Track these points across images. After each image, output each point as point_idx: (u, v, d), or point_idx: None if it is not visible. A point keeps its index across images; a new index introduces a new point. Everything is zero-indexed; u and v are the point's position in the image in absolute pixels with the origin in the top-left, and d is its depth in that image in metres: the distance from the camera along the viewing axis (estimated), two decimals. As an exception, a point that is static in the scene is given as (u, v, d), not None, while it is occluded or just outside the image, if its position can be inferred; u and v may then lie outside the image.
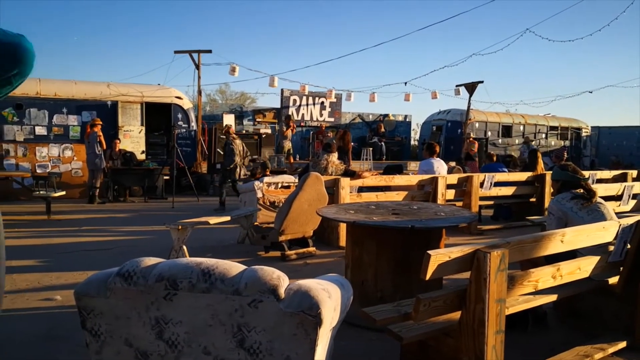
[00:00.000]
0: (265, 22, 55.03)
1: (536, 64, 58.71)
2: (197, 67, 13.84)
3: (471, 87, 16.55)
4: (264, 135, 15.51)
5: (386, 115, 20.24)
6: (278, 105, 17.54)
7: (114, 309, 2.02)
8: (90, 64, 49.13)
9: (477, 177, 7.88)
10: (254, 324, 1.92)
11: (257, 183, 7.96)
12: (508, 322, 2.58)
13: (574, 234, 2.92)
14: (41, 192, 8.95)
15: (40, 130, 11.77)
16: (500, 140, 18.93)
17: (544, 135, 20.36)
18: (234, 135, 10.17)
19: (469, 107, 16.88)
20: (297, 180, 7.64)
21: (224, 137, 10.16)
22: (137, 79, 37.21)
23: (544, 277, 2.83)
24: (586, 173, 5.98)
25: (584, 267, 3.05)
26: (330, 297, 1.99)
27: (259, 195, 7.79)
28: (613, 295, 3.36)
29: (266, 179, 8.19)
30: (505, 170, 9.07)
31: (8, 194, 10.56)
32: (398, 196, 6.97)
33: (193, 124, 13.54)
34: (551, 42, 17.61)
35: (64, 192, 9.46)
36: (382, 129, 18.38)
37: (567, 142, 20.96)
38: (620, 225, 3.14)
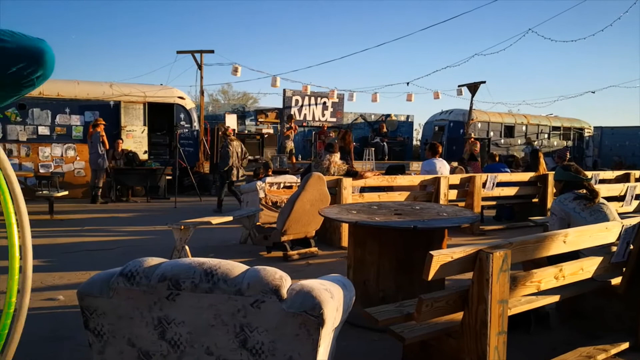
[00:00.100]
0: (268, 22, 55.05)
1: (539, 64, 58.60)
2: (200, 67, 13.85)
3: (473, 87, 16.55)
4: (266, 136, 15.52)
5: (388, 116, 20.23)
6: (280, 106, 17.54)
7: (116, 308, 2.03)
8: (92, 64, 49.22)
9: (480, 178, 7.87)
10: (256, 324, 1.92)
11: (259, 183, 7.97)
12: (510, 322, 2.58)
13: (576, 234, 2.92)
14: (44, 191, 8.97)
15: (43, 130, 11.80)
16: (502, 141, 18.91)
17: (546, 136, 20.33)
18: (232, 137, 10.13)
19: (471, 107, 16.87)
20: (299, 181, 7.64)
21: (224, 138, 10.14)
22: (139, 79, 37.28)
23: (547, 277, 2.83)
24: (589, 173, 5.96)
25: (587, 268, 3.04)
26: (332, 298, 1.99)
27: (261, 195, 7.80)
28: (616, 296, 3.35)
29: (268, 179, 8.20)
30: (508, 170, 9.06)
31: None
32: (400, 196, 6.97)
33: (195, 124, 13.56)
34: (554, 42, 17.61)
35: (66, 192, 9.48)
36: (385, 129, 18.36)
37: (570, 143, 20.91)
38: (623, 226, 3.14)
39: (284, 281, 1.97)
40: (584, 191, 3.70)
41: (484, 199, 8.00)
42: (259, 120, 18.16)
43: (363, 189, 7.14)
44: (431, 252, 2.30)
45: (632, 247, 3.23)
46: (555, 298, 3.07)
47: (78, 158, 11.61)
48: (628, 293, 3.29)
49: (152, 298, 1.99)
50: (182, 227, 5.30)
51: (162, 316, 1.99)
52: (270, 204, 7.78)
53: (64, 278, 4.95)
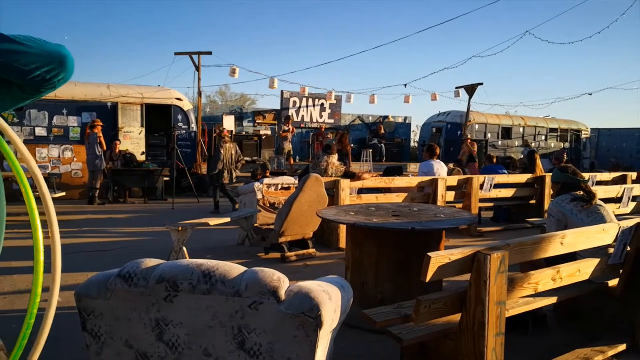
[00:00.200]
0: (265, 24, 55.14)
1: (536, 66, 58.84)
2: (197, 68, 13.85)
3: (471, 89, 16.58)
4: (263, 137, 15.52)
5: (386, 117, 20.26)
6: (278, 107, 17.54)
7: (114, 310, 2.02)
8: (90, 66, 49.18)
9: (477, 179, 7.88)
10: (254, 326, 1.92)
11: (257, 184, 7.97)
12: (508, 324, 2.58)
13: (573, 236, 2.92)
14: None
15: (40, 131, 11.77)
16: (499, 142, 18.94)
17: (543, 137, 20.38)
18: (226, 139, 10.09)
19: (468, 108, 16.90)
20: (297, 182, 7.64)
21: (221, 139, 10.12)
22: (137, 80, 37.26)
23: (544, 279, 2.83)
24: (586, 175, 5.98)
25: (584, 270, 3.05)
26: (330, 299, 1.99)
27: (259, 196, 7.80)
28: (613, 297, 3.36)
29: (266, 180, 8.20)
30: (505, 172, 9.08)
31: (7, 194, 10.48)
32: (398, 198, 6.97)
33: (193, 125, 13.55)
34: (551, 44, 17.68)
35: (63, 193, 9.46)
36: (382, 131, 18.38)
37: (567, 144, 20.97)
38: (620, 227, 3.14)
39: (282, 282, 1.97)
40: (581, 193, 3.71)
41: (482, 200, 8.01)
42: (257, 121, 18.16)
43: (361, 191, 7.14)
44: (429, 253, 2.30)
45: (629, 248, 3.24)
46: (552, 299, 3.08)
47: (75, 159, 11.58)
48: (625, 294, 3.29)
49: (150, 299, 1.98)
50: (180, 228, 5.29)
51: (160, 317, 1.98)
52: (268, 205, 7.78)
53: (60, 279, 4.93)
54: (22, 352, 1.05)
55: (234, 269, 2.01)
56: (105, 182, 11.06)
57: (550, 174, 5.14)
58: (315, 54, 55.71)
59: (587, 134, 22.22)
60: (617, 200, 8.05)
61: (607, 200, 5.63)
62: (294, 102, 17.38)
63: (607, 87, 45.82)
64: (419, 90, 23.22)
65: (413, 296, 2.59)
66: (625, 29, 52.21)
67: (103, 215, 9.33)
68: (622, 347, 3.19)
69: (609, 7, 42.73)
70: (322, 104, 17.90)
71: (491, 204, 8.67)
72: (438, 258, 2.32)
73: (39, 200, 1.18)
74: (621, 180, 9.21)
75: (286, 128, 14.72)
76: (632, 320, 3.29)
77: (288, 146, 14.60)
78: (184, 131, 13.32)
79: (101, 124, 10.74)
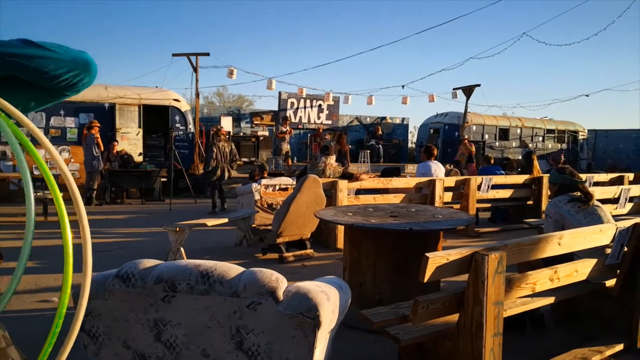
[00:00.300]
0: (263, 25, 55.17)
1: (533, 67, 59.00)
2: (195, 69, 13.84)
3: (468, 90, 16.63)
4: (261, 138, 15.51)
5: (384, 118, 20.28)
6: (276, 108, 17.55)
7: (112, 310, 2.02)
8: (88, 66, 49.04)
9: (475, 180, 7.89)
10: (252, 326, 1.92)
11: (254, 185, 7.96)
12: (506, 324, 2.58)
13: (571, 236, 2.93)
14: (38, 193, 8.92)
15: (38, 132, 11.73)
16: (497, 143, 18.99)
17: (541, 139, 20.43)
18: (222, 138, 10.05)
19: (466, 110, 16.94)
20: (294, 183, 7.64)
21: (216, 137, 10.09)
22: (134, 81, 37.18)
23: (542, 279, 2.84)
24: (583, 176, 5.99)
25: (581, 270, 3.06)
26: (328, 300, 1.99)
27: (257, 197, 7.79)
28: (610, 297, 3.37)
29: (264, 181, 8.20)
30: (503, 173, 9.09)
31: (5, 195, 10.54)
32: (396, 199, 6.97)
33: (190, 126, 13.55)
34: (548, 46, 17.84)
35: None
36: (380, 132, 18.40)
37: (564, 145, 21.02)
38: (617, 228, 3.15)
39: (280, 283, 1.97)
40: (579, 194, 3.72)
41: (479, 201, 8.02)
42: (255, 122, 18.16)
43: (358, 191, 7.15)
44: (427, 254, 2.31)
45: (626, 249, 3.25)
46: (550, 300, 3.08)
47: (72, 160, 11.56)
48: (622, 295, 3.30)
49: (148, 300, 1.98)
50: (177, 229, 5.28)
51: (158, 318, 1.98)
52: (266, 206, 7.78)
53: (58, 280, 4.92)
54: (51, 349, 1.07)
55: (232, 269, 2.01)
56: (103, 183, 11.03)
57: (548, 175, 5.16)
58: (313, 55, 55.81)
59: (584, 136, 22.29)
60: (615, 201, 8.07)
61: (604, 201, 5.66)
62: (292, 103, 17.38)
63: (604, 88, 46.08)
64: (417, 92, 23.40)
65: (411, 297, 2.59)
66: (623, 30, 52.47)
67: (100, 216, 9.31)
68: (619, 347, 3.20)
69: (606, 9, 42.92)
70: (320, 105, 17.91)
71: (489, 205, 8.68)
72: (436, 259, 2.32)
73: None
74: (618, 181, 9.23)
75: (284, 129, 14.72)
76: (629, 321, 3.30)
77: (286, 147, 14.59)
78: (182, 132, 13.31)
79: (99, 125, 10.72)
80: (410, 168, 14.94)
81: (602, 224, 3.36)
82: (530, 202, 8.62)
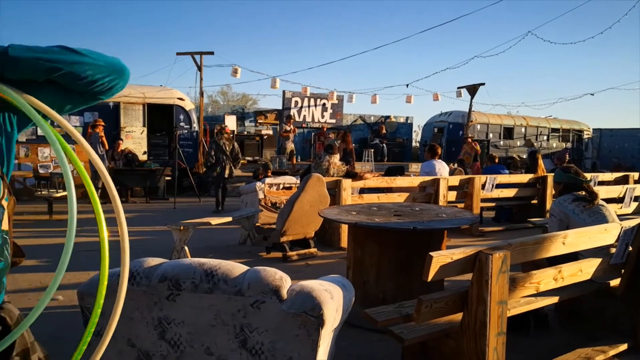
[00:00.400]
0: (267, 24, 55.20)
1: (538, 66, 58.79)
2: (199, 68, 13.86)
3: (473, 89, 16.58)
4: (265, 137, 15.52)
5: (388, 117, 20.25)
6: (280, 107, 17.55)
7: (116, 309, 2.03)
8: (91, 65, 49.16)
9: (479, 179, 7.87)
10: (256, 325, 1.93)
11: (258, 184, 7.97)
12: (509, 324, 2.58)
13: (575, 236, 2.92)
14: (43, 192, 8.97)
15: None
16: (501, 142, 18.93)
17: (545, 137, 20.37)
18: (223, 135, 10.00)
19: (470, 108, 16.89)
20: (298, 182, 7.64)
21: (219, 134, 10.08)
22: (139, 80, 37.23)
23: (546, 279, 2.83)
24: (588, 175, 5.97)
25: (586, 269, 3.05)
26: (332, 298, 2.00)
27: (261, 196, 7.80)
28: (614, 297, 3.36)
29: (268, 180, 8.20)
30: (507, 172, 9.07)
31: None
32: (400, 197, 6.97)
33: (195, 125, 13.57)
34: (553, 45, 17.68)
35: (65, 193, 9.47)
36: (384, 131, 18.37)
37: (569, 144, 20.93)
38: (622, 227, 3.14)
39: (284, 282, 1.97)
40: (583, 193, 3.71)
41: (483, 200, 8.00)
42: (259, 121, 18.18)
43: (362, 190, 7.14)
44: (431, 253, 2.31)
45: (631, 248, 3.24)
46: (554, 299, 3.07)
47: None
48: (627, 294, 3.29)
49: (152, 298, 1.99)
50: (182, 227, 5.30)
51: (162, 316, 1.99)
52: (270, 204, 7.79)
53: (63, 278, 4.92)
54: (85, 347, 1.08)
55: (236, 268, 2.02)
56: (107, 182, 11.07)
57: (552, 174, 5.14)
58: (317, 54, 55.83)
59: (589, 135, 22.19)
60: (619, 200, 8.05)
61: (609, 201, 5.64)
62: (296, 102, 17.38)
63: (609, 87, 45.91)
64: (421, 91, 23.28)
65: (414, 296, 2.59)
66: (628, 29, 52.14)
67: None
68: (623, 347, 3.19)
69: (611, 7, 42.72)
70: (324, 104, 17.91)
71: (493, 204, 8.66)
72: (440, 258, 2.32)
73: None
74: (623, 180, 9.19)
75: (288, 128, 14.72)
76: (633, 321, 3.29)
77: (290, 146, 14.60)
78: (186, 131, 13.34)
79: (103, 123, 10.76)
80: (414, 167, 14.92)
81: (606, 223, 3.35)
82: (534, 202, 8.59)
